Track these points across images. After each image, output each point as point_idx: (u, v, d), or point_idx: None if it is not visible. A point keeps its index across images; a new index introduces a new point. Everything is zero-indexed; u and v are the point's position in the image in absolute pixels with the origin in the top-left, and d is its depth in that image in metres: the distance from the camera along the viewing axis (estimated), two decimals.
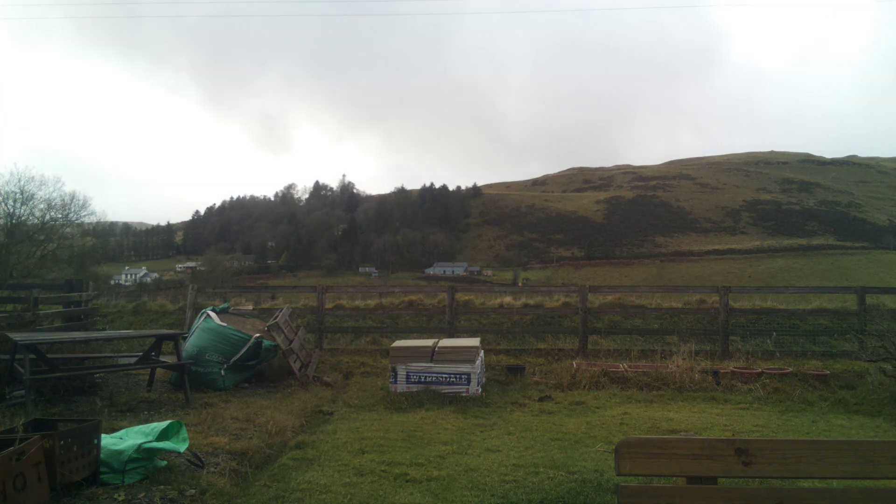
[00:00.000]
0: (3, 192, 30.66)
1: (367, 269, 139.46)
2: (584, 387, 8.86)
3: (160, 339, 8.17)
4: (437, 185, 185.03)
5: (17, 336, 6.96)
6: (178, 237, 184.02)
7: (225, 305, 10.32)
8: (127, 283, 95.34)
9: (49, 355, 7.52)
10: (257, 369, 9.21)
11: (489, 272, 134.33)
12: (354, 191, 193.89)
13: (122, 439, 4.82)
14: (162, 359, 8.14)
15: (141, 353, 8.25)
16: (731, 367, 9.51)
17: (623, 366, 9.71)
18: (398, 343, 9.11)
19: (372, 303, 15.24)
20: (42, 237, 31.55)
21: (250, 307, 13.22)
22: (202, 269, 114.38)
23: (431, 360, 8.47)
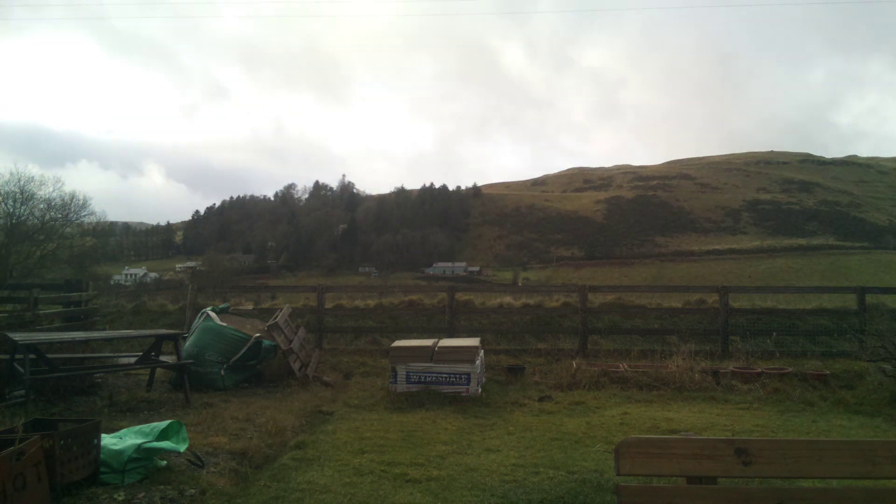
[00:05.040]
0: (3, 192, 30.69)
1: (367, 269, 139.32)
2: (584, 387, 8.86)
3: (160, 339, 8.17)
4: (437, 185, 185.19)
5: (17, 336, 6.96)
6: (178, 237, 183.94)
7: (225, 305, 10.33)
8: (127, 283, 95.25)
9: (49, 355, 7.51)
10: (257, 369, 9.21)
11: (489, 272, 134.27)
12: (354, 191, 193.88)
13: (122, 439, 4.82)
14: (162, 359, 8.13)
15: (141, 353, 8.25)
16: (730, 367, 9.51)
17: (623, 366, 9.71)
18: (398, 343, 9.11)
19: (372, 303, 15.22)
20: (42, 237, 31.55)
21: (250, 307, 13.23)
22: (202, 269, 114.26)
23: (431, 360, 8.47)
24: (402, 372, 8.44)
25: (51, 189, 33.15)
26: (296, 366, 9.20)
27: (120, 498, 4.21)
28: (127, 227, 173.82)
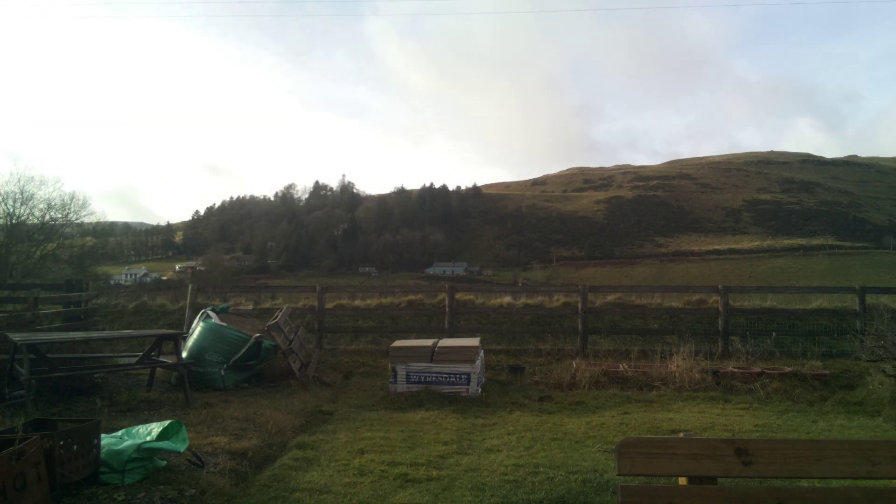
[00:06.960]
0: (3, 192, 30.64)
1: (367, 269, 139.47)
2: (584, 387, 8.86)
3: (160, 339, 8.17)
4: (437, 184, 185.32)
5: (17, 336, 6.96)
6: (178, 237, 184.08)
7: (225, 305, 10.33)
8: (127, 283, 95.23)
9: (49, 355, 7.52)
10: (257, 369, 9.21)
11: (489, 272, 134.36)
12: (354, 191, 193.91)
13: (122, 439, 4.82)
14: (162, 359, 8.14)
15: (141, 353, 8.26)
16: (731, 367, 9.50)
17: (623, 366, 9.71)
18: (398, 343, 9.11)
19: (372, 303, 15.22)
20: (42, 237, 31.52)
21: (250, 307, 13.24)
22: (202, 269, 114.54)
23: (431, 360, 8.47)
24: (402, 372, 8.44)
25: (51, 189, 33.15)
26: (296, 366, 9.20)
27: (120, 498, 4.21)
28: (127, 227, 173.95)
